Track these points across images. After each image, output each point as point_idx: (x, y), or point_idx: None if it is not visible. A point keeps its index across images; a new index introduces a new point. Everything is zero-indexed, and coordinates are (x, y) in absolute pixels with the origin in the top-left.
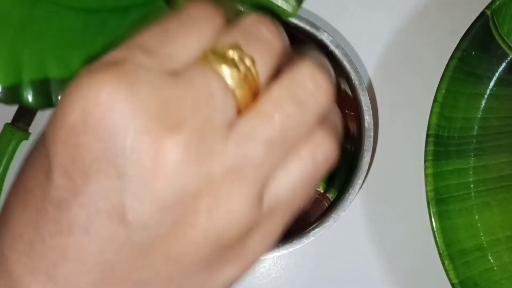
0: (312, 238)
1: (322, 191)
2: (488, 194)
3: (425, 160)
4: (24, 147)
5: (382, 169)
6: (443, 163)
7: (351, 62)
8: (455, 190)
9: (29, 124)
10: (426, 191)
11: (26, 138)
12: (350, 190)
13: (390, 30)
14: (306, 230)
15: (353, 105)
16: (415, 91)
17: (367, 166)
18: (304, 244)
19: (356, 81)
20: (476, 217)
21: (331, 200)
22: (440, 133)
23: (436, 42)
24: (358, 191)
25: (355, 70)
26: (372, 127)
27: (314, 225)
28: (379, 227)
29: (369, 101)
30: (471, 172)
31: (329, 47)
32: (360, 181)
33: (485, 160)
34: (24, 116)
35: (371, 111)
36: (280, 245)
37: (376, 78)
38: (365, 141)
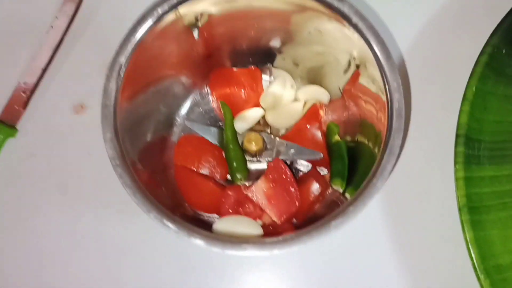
0: (333, 231)
1: (341, 190)
2: None
3: (456, 162)
4: (11, 145)
5: (408, 168)
6: (474, 168)
7: (377, 35)
8: (488, 199)
9: (17, 120)
10: (457, 196)
11: (13, 135)
12: (378, 176)
13: (428, 14)
14: (327, 220)
15: (380, 85)
16: (447, 85)
17: (397, 149)
18: (323, 237)
19: (382, 56)
20: None
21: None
22: (471, 135)
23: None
24: (388, 176)
25: (382, 43)
26: (403, 107)
27: (336, 214)
28: (403, 234)
29: (399, 78)
30: (505, 180)
31: (352, 19)
32: (389, 166)
33: None
34: (13, 113)
35: (401, 88)
36: (297, 238)
37: (410, 59)
38: (395, 122)
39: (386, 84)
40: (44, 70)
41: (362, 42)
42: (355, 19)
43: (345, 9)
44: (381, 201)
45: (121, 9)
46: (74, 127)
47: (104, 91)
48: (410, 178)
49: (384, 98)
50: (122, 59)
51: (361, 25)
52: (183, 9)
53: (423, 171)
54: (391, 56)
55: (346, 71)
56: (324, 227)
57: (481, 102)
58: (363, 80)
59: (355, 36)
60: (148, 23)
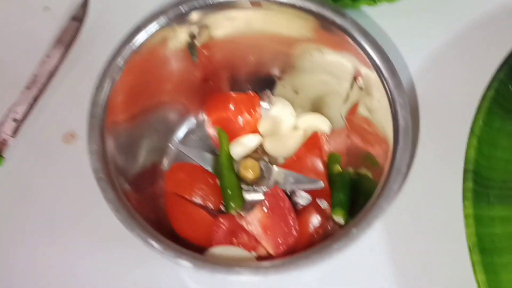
0: (335, 254)
1: (342, 222)
2: None
3: (464, 198)
4: None
5: (413, 200)
6: (484, 206)
7: (381, 50)
8: (500, 241)
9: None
10: (467, 235)
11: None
12: (383, 196)
13: (439, 41)
14: (329, 243)
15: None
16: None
17: (405, 168)
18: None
19: (387, 72)
20: None
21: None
22: (480, 172)
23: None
24: (394, 197)
25: (387, 59)
26: (410, 125)
27: (338, 236)
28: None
29: (405, 95)
30: None
31: (354, 35)
32: (396, 186)
33: None
34: (1, 141)
35: (408, 106)
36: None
37: (420, 84)
38: (401, 140)
39: (392, 101)
40: (36, 98)
41: (365, 60)
42: (357, 35)
43: (347, 25)
44: (383, 231)
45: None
46: (63, 157)
47: (92, 101)
48: (415, 211)
49: (389, 117)
50: (113, 69)
51: (363, 40)
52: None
53: (429, 205)
54: (397, 72)
55: (346, 100)
56: (325, 250)
57: (490, 138)
58: (365, 110)
59: (359, 54)
60: (144, 33)
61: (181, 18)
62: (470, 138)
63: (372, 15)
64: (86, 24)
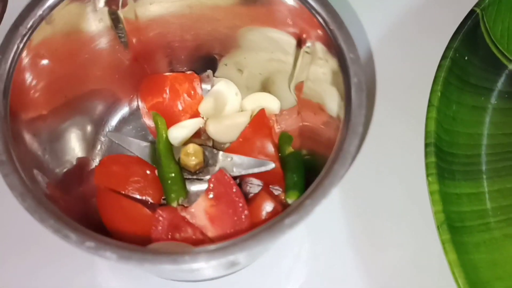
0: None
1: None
2: (510, 224)
3: (428, 174)
4: None
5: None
6: (449, 183)
7: (326, 3)
8: (469, 219)
9: None
10: (434, 213)
11: None
12: (339, 161)
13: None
14: (280, 218)
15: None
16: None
17: (360, 128)
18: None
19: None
20: (499, 253)
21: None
22: (442, 147)
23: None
24: (351, 162)
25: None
26: (364, 80)
27: (290, 210)
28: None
29: (356, 50)
30: (485, 198)
31: None
32: (352, 148)
33: (499, 184)
34: None
35: (360, 61)
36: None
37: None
38: (355, 97)
39: (341, 57)
40: None
41: (310, 17)
42: None
43: None
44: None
45: None
46: None
47: None
48: (377, 187)
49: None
50: (18, 36)
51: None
52: None
53: (391, 182)
54: (344, 25)
55: (293, 74)
56: (276, 226)
57: (449, 112)
58: (312, 83)
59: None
60: None
61: None
62: (428, 109)
63: None
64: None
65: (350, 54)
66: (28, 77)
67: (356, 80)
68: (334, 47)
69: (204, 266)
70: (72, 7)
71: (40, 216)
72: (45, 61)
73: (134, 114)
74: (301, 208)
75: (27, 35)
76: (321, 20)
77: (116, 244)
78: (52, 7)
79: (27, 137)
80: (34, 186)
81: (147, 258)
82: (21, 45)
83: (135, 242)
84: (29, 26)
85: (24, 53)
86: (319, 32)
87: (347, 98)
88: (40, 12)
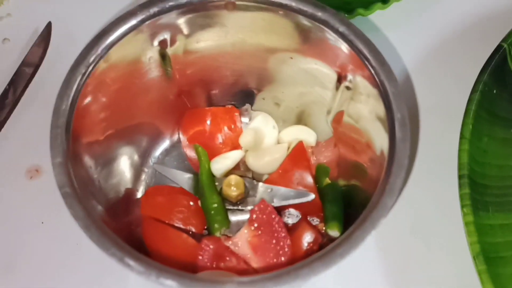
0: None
1: (338, 235)
2: None
3: (462, 206)
4: None
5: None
6: (482, 215)
7: (367, 40)
8: (503, 250)
9: None
10: (470, 244)
11: None
12: (387, 193)
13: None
14: (330, 249)
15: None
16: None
17: (406, 161)
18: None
19: (376, 62)
20: None
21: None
22: (475, 179)
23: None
24: (399, 194)
25: (375, 50)
26: (407, 114)
27: (340, 241)
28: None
29: (397, 84)
30: None
31: (336, 27)
32: (399, 181)
33: None
34: None
35: (401, 96)
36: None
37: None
38: (398, 131)
39: (383, 93)
40: None
41: (351, 54)
42: (340, 26)
43: (328, 17)
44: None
45: None
46: (27, 194)
47: (54, 110)
48: (412, 216)
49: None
50: (78, 74)
51: (347, 31)
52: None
53: (426, 214)
54: (386, 62)
55: (331, 108)
56: (328, 256)
57: (480, 144)
58: (350, 118)
59: (343, 51)
60: (111, 37)
61: (151, 21)
62: (460, 142)
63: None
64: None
65: (392, 89)
66: (86, 111)
67: (399, 116)
68: (376, 84)
69: None
70: (127, 46)
71: (104, 245)
72: (100, 95)
73: (175, 146)
74: (351, 239)
75: (87, 73)
76: (363, 58)
77: (176, 273)
78: (110, 47)
79: (84, 168)
80: (94, 216)
81: (207, 286)
82: (81, 83)
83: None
84: (88, 65)
85: (83, 90)
86: (362, 69)
87: (390, 133)
88: (98, 52)
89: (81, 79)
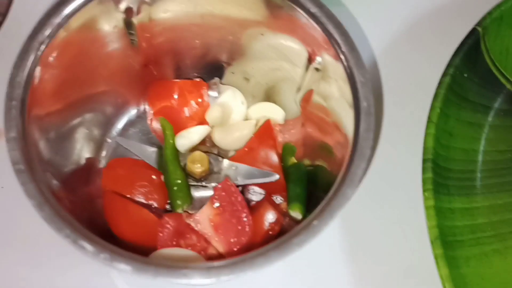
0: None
1: (300, 217)
2: (499, 240)
3: (424, 189)
4: None
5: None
6: (444, 198)
7: (338, 24)
8: (461, 234)
9: None
10: (429, 227)
11: None
12: (347, 183)
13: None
14: (288, 238)
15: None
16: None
17: (368, 151)
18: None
19: (346, 47)
20: (488, 267)
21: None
22: (439, 162)
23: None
24: (359, 184)
25: (345, 33)
26: (372, 103)
27: (298, 230)
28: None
29: (366, 72)
30: (476, 213)
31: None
32: (360, 171)
33: (491, 200)
34: None
35: (370, 84)
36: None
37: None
38: (363, 121)
39: (351, 80)
40: None
41: (322, 36)
42: (311, 6)
43: None
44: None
45: None
46: None
47: (10, 81)
48: (374, 201)
49: (348, 101)
50: (36, 44)
51: (319, 12)
52: None
53: (388, 197)
54: (356, 47)
55: (301, 86)
56: (284, 245)
57: (447, 127)
58: (319, 98)
59: (314, 31)
60: (72, 5)
61: None
62: (427, 126)
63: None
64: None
65: (361, 78)
66: (43, 82)
67: (365, 104)
68: (344, 69)
69: (214, 281)
70: (89, 15)
71: (57, 226)
72: (59, 65)
73: (141, 117)
74: (309, 228)
75: (45, 43)
76: (333, 41)
77: (130, 256)
78: (70, 16)
79: (41, 140)
80: (49, 192)
81: (160, 272)
82: (39, 53)
83: (139, 244)
84: (47, 34)
85: (41, 60)
86: (331, 53)
87: (356, 121)
88: (58, 20)
89: (38, 48)
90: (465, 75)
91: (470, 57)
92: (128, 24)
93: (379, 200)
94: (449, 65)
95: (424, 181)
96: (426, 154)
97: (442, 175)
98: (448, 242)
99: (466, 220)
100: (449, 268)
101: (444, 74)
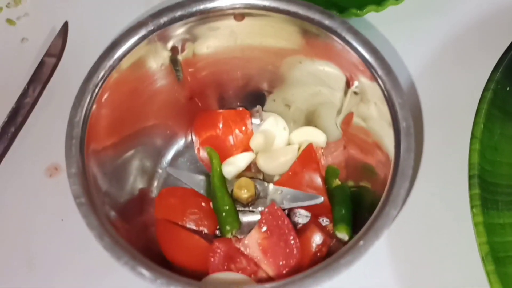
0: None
1: (346, 238)
2: None
3: (472, 206)
4: None
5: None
6: (494, 214)
7: (374, 49)
8: None
9: None
10: (479, 244)
11: None
12: (390, 203)
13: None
14: (334, 259)
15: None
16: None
17: (410, 171)
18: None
19: (382, 71)
20: None
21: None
22: (485, 178)
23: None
24: (402, 204)
25: (381, 58)
26: (412, 124)
27: (344, 251)
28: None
29: (403, 94)
30: None
31: (343, 35)
32: (403, 191)
33: None
34: None
35: (407, 105)
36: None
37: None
38: (404, 141)
39: (389, 102)
40: (15, 133)
41: (358, 61)
42: (346, 35)
43: (336, 25)
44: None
45: None
46: (46, 192)
47: (69, 121)
48: (420, 220)
49: (387, 122)
50: (91, 86)
51: (354, 40)
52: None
53: (435, 215)
54: (392, 71)
55: (341, 109)
56: (332, 266)
57: (491, 142)
58: (360, 120)
59: (350, 57)
60: (123, 48)
61: (162, 31)
62: (471, 141)
63: (371, 22)
64: (64, 55)
65: (399, 100)
66: (99, 120)
67: (404, 125)
68: (382, 92)
69: None
70: (138, 56)
71: (116, 254)
72: (113, 104)
73: (188, 147)
74: (355, 249)
75: (99, 85)
76: (370, 66)
77: (185, 281)
78: (121, 58)
79: (98, 174)
80: (108, 223)
81: None
82: (94, 94)
83: (191, 270)
84: (100, 76)
85: (97, 101)
86: (368, 77)
87: (396, 142)
88: (110, 63)
89: (94, 90)
90: (508, 88)
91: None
92: (173, 61)
93: (426, 219)
94: (490, 80)
95: (471, 197)
96: (472, 170)
97: (490, 191)
98: (499, 258)
99: None
100: (502, 284)
101: (486, 89)
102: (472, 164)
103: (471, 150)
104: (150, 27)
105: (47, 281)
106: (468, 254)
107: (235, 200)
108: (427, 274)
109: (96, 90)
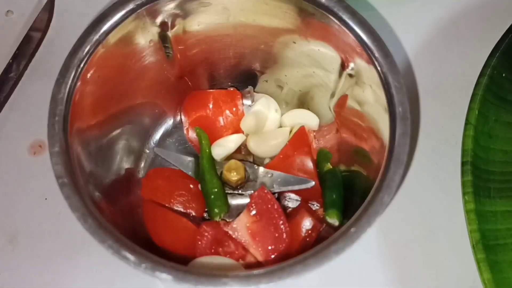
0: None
1: (337, 223)
2: None
3: (464, 193)
4: None
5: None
6: (485, 201)
7: (372, 30)
8: (503, 237)
9: None
10: (469, 232)
11: None
12: (384, 189)
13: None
14: (325, 245)
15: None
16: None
17: (405, 157)
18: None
19: (379, 53)
20: None
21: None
22: (478, 165)
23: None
24: (396, 190)
25: (378, 39)
26: (408, 108)
27: (336, 237)
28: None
29: (400, 78)
30: None
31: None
32: (397, 177)
33: None
34: None
35: (404, 88)
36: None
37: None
38: (399, 126)
39: (386, 85)
40: (0, 107)
41: (354, 42)
42: (343, 14)
43: (332, 3)
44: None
45: None
46: (30, 170)
47: (52, 98)
48: (413, 208)
49: (383, 106)
50: (76, 61)
51: (351, 20)
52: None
53: (427, 201)
54: (390, 53)
55: (335, 92)
56: (323, 253)
57: (486, 129)
58: (354, 103)
59: (347, 37)
60: (110, 22)
61: (151, 5)
62: (465, 128)
63: (370, 2)
64: (50, 29)
65: (395, 83)
66: (84, 98)
67: (400, 109)
68: (378, 75)
69: None
70: (126, 31)
71: (100, 237)
72: (98, 81)
73: (177, 128)
74: (347, 236)
75: (84, 60)
76: (367, 48)
77: (171, 265)
78: (108, 32)
79: (82, 154)
80: (92, 204)
81: (201, 281)
82: (79, 70)
83: (178, 253)
84: (86, 51)
85: (81, 77)
86: (365, 59)
87: (391, 126)
88: (96, 37)
89: (79, 65)
90: (503, 75)
91: (508, 57)
92: (163, 37)
93: (418, 205)
94: (485, 66)
95: (463, 184)
96: (465, 156)
97: (482, 178)
98: (490, 246)
99: (508, 223)
100: (492, 272)
101: (481, 75)
102: (465, 150)
103: (465, 137)
104: (139, 1)
105: (29, 258)
106: (459, 242)
107: (224, 183)
108: (417, 261)
109: (81, 66)
